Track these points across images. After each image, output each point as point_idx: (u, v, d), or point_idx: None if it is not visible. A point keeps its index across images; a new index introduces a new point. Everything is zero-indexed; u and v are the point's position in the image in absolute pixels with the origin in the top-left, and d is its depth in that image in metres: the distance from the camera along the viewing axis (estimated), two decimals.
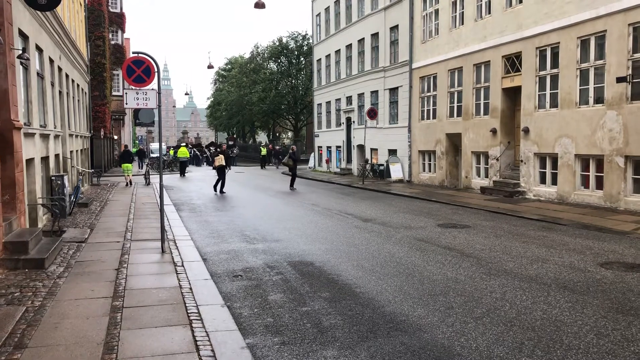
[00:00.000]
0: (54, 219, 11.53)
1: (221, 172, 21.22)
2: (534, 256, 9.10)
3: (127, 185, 24.08)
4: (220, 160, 21.42)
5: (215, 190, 21.28)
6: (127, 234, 11.48)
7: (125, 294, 6.89)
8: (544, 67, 16.72)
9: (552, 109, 16.39)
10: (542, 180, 16.99)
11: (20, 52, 9.92)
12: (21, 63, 10.49)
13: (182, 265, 8.51)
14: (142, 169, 36.99)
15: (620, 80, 13.76)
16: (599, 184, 14.88)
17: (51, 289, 7.07)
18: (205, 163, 50.02)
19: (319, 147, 37.76)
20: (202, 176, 32.94)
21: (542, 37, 16.58)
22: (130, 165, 25.36)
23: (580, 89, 15.34)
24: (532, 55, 17.06)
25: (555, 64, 16.25)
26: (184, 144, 45.98)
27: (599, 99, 14.79)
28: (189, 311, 6.18)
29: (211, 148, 52.97)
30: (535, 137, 16.93)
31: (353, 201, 18.01)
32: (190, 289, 7.15)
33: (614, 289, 7.08)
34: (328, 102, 35.62)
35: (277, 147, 50.52)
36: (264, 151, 44.79)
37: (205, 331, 5.56)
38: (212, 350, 5.07)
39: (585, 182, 15.42)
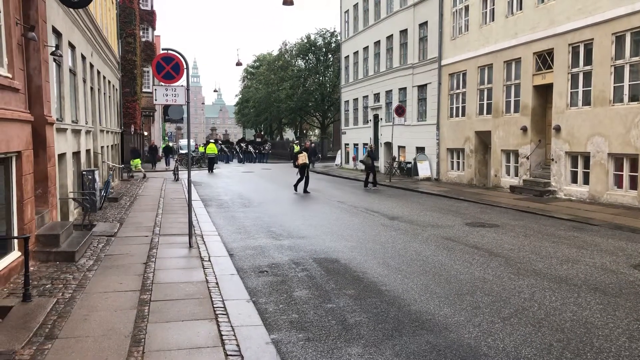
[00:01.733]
0: (85, 213, 11.75)
1: (304, 170, 19.85)
2: (564, 257, 8.92)
3: (130, 177, 26.56)
4: (303, 158, 19.95)
5: (295, 189, 20.10)
6: (155, 228, 11.63)
7: (153, 287, 6.98)
8: (577, 64, 16.36)
9: (585, 106, 16.03)
10: (574, 180, 16.64)
11: (54, 49, 10.12)
12: (54, 60, 10.70)
13: (209, 260, 8.58)
14: (168, 165, 37.12)
15: None
16: (633, 184, 14.51)
17: (81, 282, 7.20)
18: (235, 160, 48.61)
19: (346, 144, 37.69)
20: (230, 173, 33.19)
21: (575, 33, 16.22)
22: (138, 160, 29.36)
23: (614, 87, 14.97)
24: (564, 51, 16.71)
25: (588, 60, 15.88)
26: (212, 140, 46.11)
27: (634, 97, 14.41)
28: (215, 306, 6.23)
29: (242, 144, 50.95)
30: (567, 136, 16.59)
31: (379, 199, 17.92)
32: (217, 283, 7.21)
33: None
34: (355, 99, 35.52)
35: (312, 144, 47.52)
36: (297, 148, 42.12)
37: (231, 326, 5.59)
38: (237, 345, 5.10)
39: (618, 182, 15.05)
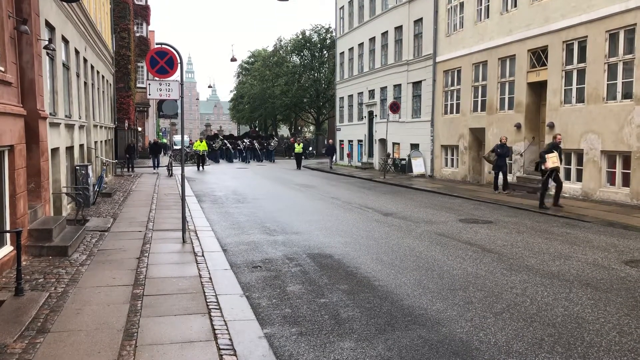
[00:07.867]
0: (78, 208, 11.71)
1: (553, 174, 14.09)
2: (557, 253, 8.96)
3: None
4: (555, 159, 13.88)
5: (542, 204, 14.13)
6: (149, 223, 11.60)
7: (146, 282, 6.97)
8: (571, 62, 16.41)
9: (578, 104, 16.09)
10: (567, 177, 16.70)
11: (47, 42, 10.06)
12: (47, 54, 10.65)
13: (202, 255, 8.57)
14: (156, 167, 32.00)
15: None
16: (626, 181, 14.59)
17: (74, 276, 7.18)
18: (239, 158, 42.69)
19: (341, 141, 37.68)
20: (224, 169, 33.11)
21: (569, 30, 16.27)
22: None
23: (607, 84, 15.03)
24: (558, 49, 16.75)
25: (582, 58, 15.94)
26: (203, 136, 45.06)
27: (627, 95, 14.48)
28: (208, 300, 6.22)
29: (245, 140, 44.71)
30: (561, 133, 16.61)
31: (374, 195, 17.94)
32: (210, 278, 7.20)
33: (638, 287, 6.94)
34: (350, 96, 35.52)
35: (330, 141, 38.41)
36: (298, 148, 35.33)
37: (224, 320, 5.59)
38: (230, 339, 5.10)
39: (611, 179, 15.13)
